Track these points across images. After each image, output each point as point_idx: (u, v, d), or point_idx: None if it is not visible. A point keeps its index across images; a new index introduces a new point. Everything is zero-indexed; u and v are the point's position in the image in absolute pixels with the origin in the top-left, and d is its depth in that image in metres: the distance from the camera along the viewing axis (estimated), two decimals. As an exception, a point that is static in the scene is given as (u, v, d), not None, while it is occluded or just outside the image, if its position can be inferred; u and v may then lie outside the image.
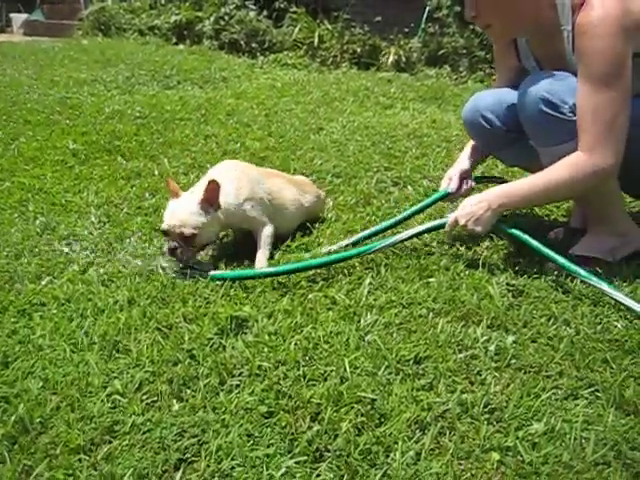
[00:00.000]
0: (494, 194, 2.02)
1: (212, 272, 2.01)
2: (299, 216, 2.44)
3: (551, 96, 1.94)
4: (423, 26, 7.18)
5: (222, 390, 1.46)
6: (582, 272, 1.90)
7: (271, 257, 2.19)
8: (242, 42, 7.58)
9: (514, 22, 2.02)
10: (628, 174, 1.94)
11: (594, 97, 1.85)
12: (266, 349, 1.60)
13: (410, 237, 2.15)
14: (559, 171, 1.92)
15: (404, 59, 6.82)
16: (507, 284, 1.97)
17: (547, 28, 2.01)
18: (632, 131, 1.87)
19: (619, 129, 1.86)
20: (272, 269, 2.01)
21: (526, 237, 2.02)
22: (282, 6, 7.93)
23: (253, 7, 7.91)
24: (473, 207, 2.00)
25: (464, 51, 6.74)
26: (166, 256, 2.05)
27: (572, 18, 1.91)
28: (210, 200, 2.02)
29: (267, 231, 2.21)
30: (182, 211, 2.02)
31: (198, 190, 2.07)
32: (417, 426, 1.35)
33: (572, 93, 1.92)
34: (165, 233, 2.04)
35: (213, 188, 2.01)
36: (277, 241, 2.27)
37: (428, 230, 2.17)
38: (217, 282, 1.95)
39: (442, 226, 2.12)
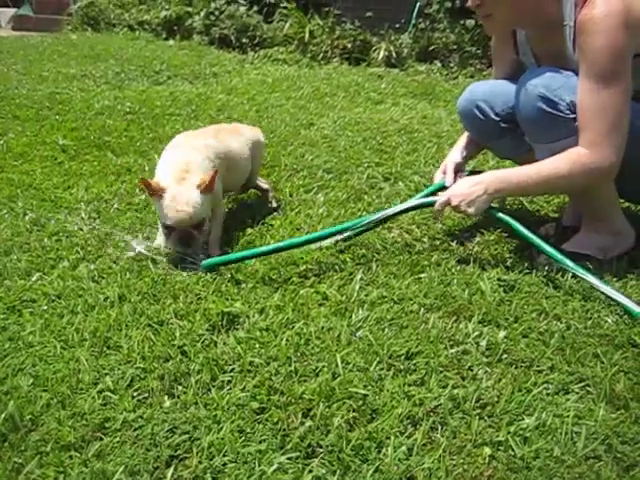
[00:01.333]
0: (491, 178, 1.99)
1: (202, 262, 2.02)
2: (249, 165, 2.54)
3: (549, 93, 1.93)
4: (414, 22, 7.17)
5: (214, 386, 1.46)
6: (570, 263, 1.90)
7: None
8: (232, 37, 7.54)
9: (517, 12, 2.00)
10: (622, 176, 1.93)
11: (597, 95, 1.84)
12: (258, 345, 1.60)
13: (399, 213, 2.16)
14: (559, 165, 1.91)
15: (395, 55, 6.80)
16: (498, 279, 1.97)
17: (549, 22, 1.99)
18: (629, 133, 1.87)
19: (622, 127, 1.86)
20: (263, 248, 2.06)
21: (515, 224, 2.01)
22: (272, 1, 7.87)
23: (243, 2, 7.85)
24: (468, 188, 1.98)
25: (455, 47, 6.73)
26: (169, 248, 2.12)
27: (575, 14, 1.89)
28: (210, 188, 2.08)
29: (222, 211, 2.32)
30: (190, 201, 2.04)
31: (190, 178, 2.10)
32: (409, 421, 1.35)
33: (570, 90, 1.91)
34: (171, 228, 2.05)
35: (214, 178, 2.07)
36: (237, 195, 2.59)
37: (417, 207, 2.17)
38: (208, 278, 1.95)
39: (431, 204, 2.09)
